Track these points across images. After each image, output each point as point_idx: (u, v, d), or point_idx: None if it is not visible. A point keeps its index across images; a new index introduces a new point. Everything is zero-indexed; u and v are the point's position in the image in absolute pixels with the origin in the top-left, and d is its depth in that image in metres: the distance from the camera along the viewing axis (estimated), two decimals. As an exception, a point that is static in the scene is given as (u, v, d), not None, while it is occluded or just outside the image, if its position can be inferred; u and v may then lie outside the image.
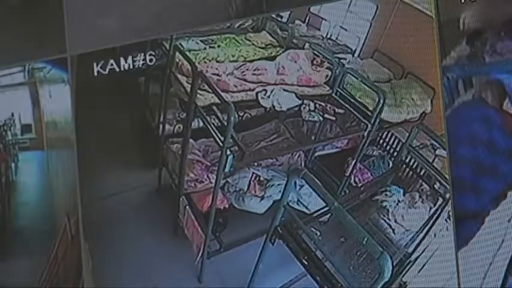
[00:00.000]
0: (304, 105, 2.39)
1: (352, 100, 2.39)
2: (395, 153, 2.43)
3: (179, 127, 2.42)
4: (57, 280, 2.33)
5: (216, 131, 2.33)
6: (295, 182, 2.32)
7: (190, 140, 2.39)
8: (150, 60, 2.33)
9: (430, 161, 2.37)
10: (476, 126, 2.23)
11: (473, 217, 2.23)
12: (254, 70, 2.39)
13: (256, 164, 2.43)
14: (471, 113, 2.25)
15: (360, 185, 2.41)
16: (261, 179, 2.40)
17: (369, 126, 2.36)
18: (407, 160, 2.41)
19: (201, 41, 2.41)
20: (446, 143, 2.25)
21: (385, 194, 2.39)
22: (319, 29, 2.40)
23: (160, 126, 2.44)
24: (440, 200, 2.33)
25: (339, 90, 2.39)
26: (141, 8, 2.37)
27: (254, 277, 2.31)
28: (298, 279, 2.35)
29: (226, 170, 2.32)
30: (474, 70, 2.25)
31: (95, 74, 2.36)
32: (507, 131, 2.22)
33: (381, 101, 2.32)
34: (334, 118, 2.38)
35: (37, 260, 2.34)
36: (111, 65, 2.35)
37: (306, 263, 2.27)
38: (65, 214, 2.33)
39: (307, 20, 2.39)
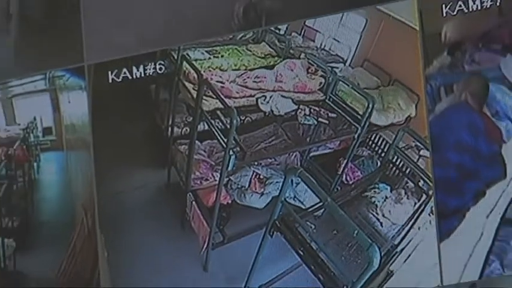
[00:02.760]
0: (300, 110, 2.40)
1: (344, 105, 2.39)
2: (383, 154, 2.44)
3: (186, 130, 2.43)
4: (75, 269, 2.35)
5: (220, 133, 2.34)
6: (291, 180, 2.32)
7: (197, 142, 2.40)
8: (160, 69, 2.34)
9: (415, 160, 2.37)
10: (464, 135, 2.22)
11: (454, 213, 2.22)
12: (254, 78, 2.41)
13: (256, 163, 2.44)
14: (458, 119, 2.24)
15: (350, 182, 2.41)
16: (261, 177, 2.41)
17: (359, 129, 2.37)
18: (394, 160, 2.42)
19: (206, 51, 2.42)
20: (430, 144, 2.23)
21: (374, 191, 2.39)
22: (314, 41, 2.40)
23: (169, 129, 2.45)
24: (424, 196, 2.33)
25: (331, 96, 2.40)
26: (151, 22, 2.39)
27: (255, 266, 2.32)
28: (294, 268, 2.35)
29: (229, 168, 2.34)
30: (455, 78, 2.24)
31: (110, 81, 2.38)
32: (489, 138, 2.21)
33: (370, 106, 2.34)
34: (327, 122, 2.39)
35: (57, 251, 2.36)
36: (125, 73, 2.37)
37: (301, 253, 2.28)
38: (83, 208, 2.35)
39: (302, 32, 2.40)
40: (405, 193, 2.35)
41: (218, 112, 2.42)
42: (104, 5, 2.40)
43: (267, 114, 2.45)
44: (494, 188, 2.24)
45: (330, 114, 2.41)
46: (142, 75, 2.39)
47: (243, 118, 2.43)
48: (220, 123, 2.42)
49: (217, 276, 2.39)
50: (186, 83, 2.41)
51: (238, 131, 2.39)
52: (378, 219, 2.35)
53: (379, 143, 2.42)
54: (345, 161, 2.39)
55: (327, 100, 2.40)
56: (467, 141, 2.26)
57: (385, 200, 2.36)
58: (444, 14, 2.26)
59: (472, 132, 2.27)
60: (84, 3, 2.40)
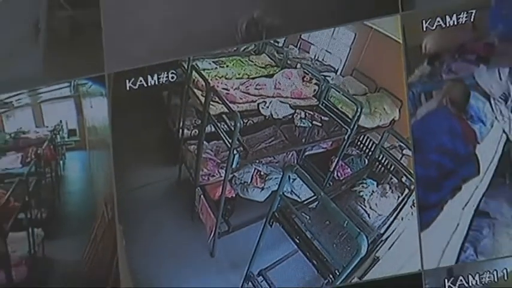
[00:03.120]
0: (296, 114, 2.39)
1: (335, 110, 2.39)
2: (370, 153, 2.43)
3: (195, 131, 2.43)
4: (97, 255, 2.35)
5: (225, 135, 2.34)
6: (289, 176, 2.33)
7: (204, 142, 2.40)
8: (172, 78, 2.34)
9: (398, 159, 2.36)
10: (444, 138, 2.22)
11: (433, 206, 2.23)
12: (256, 85, 2.41)
13: (257, 161, 2.43)
14: (440, 124, 2.24)
15: (341, 178, 2.41)
16: (262, 173, 2.40)
17: (349, 130, 2.36)
18: (379, 158, 2.41)
19: (213, 62, 2.41)
20: (412, 144, 2.23)
21: (362, 186, 2.38)
22: (309, 52, 2.39)
23: (180, 131, 2.44)
24: (407, 190, 2.32)
25: (324, 101, 2.40)
26: (164, 36, 2.39)
27: (256, 253, 2.32)
28: (291, 255, 2.35)
29: (233, 166, 2.33)
30: (434, 86, 2.25)
31: (127, 88, 2.38)
32: (465, 140, 2.22)
33: (359, 111, 2.33)
34: (320, 124, 2.38)
35: (81, 239, 2.36)
36: (140, 81, 2.37)
37: (297, 241, 2.29)
38: (103, 202, 2.35)
39: (298, 45, 2.39)
40: (390, 188, 2.35)
41: (223, 116, 2.41)
42: (122, 22, 2.40)
43: (267, 117, 2.44)
44: (469, 184, 2.25)
45: (323, 117, 2.40)
46: (156, 83, 2.37)
47: (245, 121, 2.42)
48: (226, 126, 2.40)
49: (222, 262, 2.38)
50: (195, 90, 2.41)
51: (241, 132, 2.38)
52: (366, 211, 2.35)
53: (367, 143, 2.42)
54: (336, 159, 2.39)
55: (320, 105, 2.39)
56: (447, 144, 2.26)
57: (371, 194, 2.36)
58: (424, 29, 2.26)
59: (452, 135, 2.27)
60: (104, 20, 2.39)
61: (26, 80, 2.40)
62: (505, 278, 2.19)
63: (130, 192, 2.38)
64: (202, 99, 2.36)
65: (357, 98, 2.33)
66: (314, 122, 2.37)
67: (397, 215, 2.30)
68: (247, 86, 2.40)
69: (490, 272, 2.19)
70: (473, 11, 2.24)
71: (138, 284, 2.35)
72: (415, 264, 2.23)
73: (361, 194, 2.35)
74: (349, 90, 2.34)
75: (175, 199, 2.42)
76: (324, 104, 2.37)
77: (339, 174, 2.37)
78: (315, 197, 2.36)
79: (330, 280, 2.28)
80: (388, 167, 2.35)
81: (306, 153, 2.41)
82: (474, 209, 2.24)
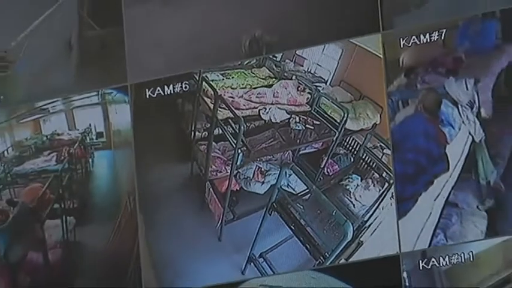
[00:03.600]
0: (291, 119, 2.41)
1: (325, 115, 2.39)
2: (355, 152, 2.43)
3: (205, 134, 2.44)
4: (121, 240, 2.37)
5: (231, 137, 2.36)
6: (285, 172, 2.34)
7: (213, 143, 2.42)
8: (185, 87, 2.35)
9: (379, 157, 2.37)
10: (420, 140, 2.23)
11: (410, 197, 2.24)
12: (257, 94, 2.42)
13: (258, 159, 2.44)
14: (416, 127, 2.24)
15: (330, 174, 2.42)
16: (262, 169, 2.42)
17: (337, 133, 2.37)
18: (363, 156, 2.42)
19: (220, 74, 2.41)
20: (391, 145, 2.24)
21: (348, 180, 2.39)
22: (302, 66, 2.39)
23: (192, 133, 2.46)
24: (386, 184, 2.31)
25: (316, 108, 2.41)
26: (178, 51, 2.40)
27: (257, 238, 2.34)
28: (287, 239, 2.36)
29: (238, 163, 2.36)
30: (409, 94, 2.26)
31: (147, 97, 2.38)
32: (438, 141, 2.24)
33: (345, 116, 2.33)
34: (312, 127, 2.40)
35: (107, 226, 2.38)
36: (158, 90, 2.38)
37: (293, 228, 2.32)
38: (126, 194, 2.37)
39: (293, 59, 2.39)
40: (372, 182, 2.37)
41: (229, 120, 2.42)
42: (142, 39, 2.41)
43: (266, 122, 2.45)
44: (440, 178, 2.26)
45: (314, 121, 2.41)
46: (172, 92, 2.38)
47: (248, 125, 2.42)
48: (231, 129, 2.41)
49: (228, 245, 2.39)
50: (205, 98, 2.42)
51: (245, 134, 2.39)
52: (351, 202, 2.37)
53: (352, 143, 2.43)
54: (326, 157, 2.40)
55: (312, 111, 2.41)
56: (422, 145, 2.26)
57: (356, 187, 2.37)
58: (401, 46, 2.27)
59: (426, 137, 2.27)
60: (127, 38, 2.40)
61: (60, 90, 2.41)
62: (471, 260, 2.20)
63: (149, 186, 2.38)
64: (211, 106, 2.38)
65: (343, 105, 2.34)
66: (307, 126, 2.39)
67: (378, 205, 2.30)
68: (250, 95, 2.41)
69: (458, 254, 2.20)
70: (444, 30, 2.25)
71: (155, 263, 2.35)
72: (393, 247, 2.23)
73: (348, 187, 2.36)
74: (337, 98, 2.36)
75: (188, 192, 2.43)
76: (315, 110, 2.38)
77: (328, 171, 2.39)
78: (307, 190, 2.37)
79: (321, 261, 2.29)
80: (371, 164, 2.35)
81: (300, 152, 2.42)
82: (444, 200, 2.24)
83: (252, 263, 2.33)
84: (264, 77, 2.43)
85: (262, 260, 2.33)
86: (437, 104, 2.26)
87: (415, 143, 2.26)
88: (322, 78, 2.38)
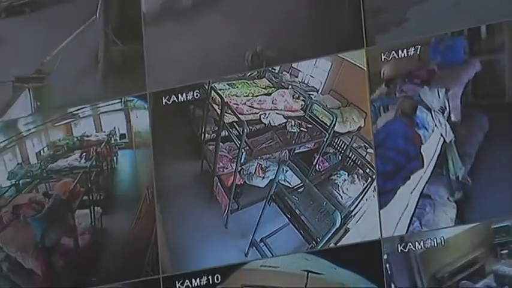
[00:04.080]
0: (288, 122, 2.43)
1: (317, 119, 2.41)
2: (342, 151, 2.44)
3: (213, 135, 2.45)
4: (141, 226, 2.38)
5: (236, 138, 2.39)
6: (282, 168, 2.37)
7: (220, 143, 2.43)
8: (196, 95, 2.37)
9: (364, 155, 2.37)
10: (399, 141, 2.24)
11: (390, 191, 2.26)
12: (258, 101, 2.44)
13: (259, 157, 2.45)
14: (395, 130, 2.25)
15: (321, 170, 2.43)
16: (263, 166, 2.43)
17: (327, 135, 2.39)
18: (350, 155, 2.42)
19: (226, 84, 2.42)
20: (373, 145, 2.26)
21: (337, 176, 2.40)
22: (297, 77, 2.40)
23: (202, 135, 2.47)
24: (370, 179, 2.31)
25: (309, 113, 2.42)
26: (190, 65, 2.42)
27: (258, 225, 2.36)
28: (284, 227, 2.39)
29: (242, 161, 2.38)
30: (389, 101, 2.29)
31: (163, 103, 2.40)
32: (414, 143, 2.25)
33: (334, 120, 2.36)
34: (306, 130, 2.41)
35: (129, 214, 2.39)
36: (173, 98, 2.39)
37: (289, 216, 2.35)
38: (145, 187, 2.38)
39: (290, 71, 2.40)
40: (357, 177, 2.37)
41: (234, 124, 2.43)
42: (159, 54, 2.42)
43: (266, 125, 2.46)
44: (416, 174, 2.27)
45: (307, 125, 2.43)
46: (185, 99, 2.39)
47: (250, 128, 2.44)
48: (236, 131, 2.43)
49: (233, 231, 2.40)
50: (213, 105, 2.43)
51: (248, 136, 2.41)
52: (339, 194, 2.37)
53: (340, 144, 2.44)
54: (318, 156, 2.42)
55: (305, 116, 2.42)
56: (401, 145, 2.28)
57: (344, 182, 2.38)
58: (382, 60, 2.29)
59: (404, 139, 2.28)
60: (146, 53, 2.42)
61: (89, 98, 2.43)
62: (442, 244, 2.21)
63: (165, 180, 2.39)
64: (219, 111, 2.40)
65: (333, 111, 2.36)
66: (301, 129, 2.41)
67: (363, 197, 2.31)
68: (252, 102, 2.42)
69: (431, 239, 2.22)
70: (419, 47, 2.27)
71: (170, 247, 2.36)
72: (375, 233, 2.25)
73: (336, 181, 2.37)
74: (327, 105, 2.37)
75: (198, 185, 2.44)
76: (308, 115, 2.39)
77: (320, 167, 2.40)
78: (302, 184, 2.39)
79: (313, 245, 2.31)
80: (356, 161, 2.35)
81: (295, 151, 2.43)
82: (419, 193, 2.26)
83: (254, 247, 2.34)
84: (264, 87, 2.44)
85: (263, 244, 2.34)
86: (413, 110, 2.27)
87: (395, 144, 2.27)
88: (314, 87, 2.39)
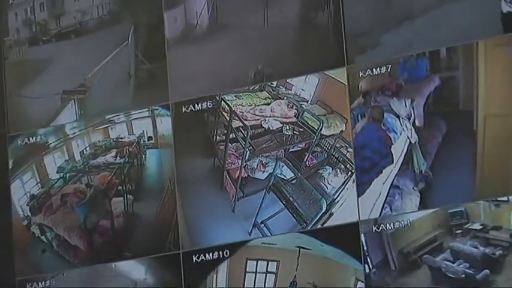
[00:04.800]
0: (283, 127, 2.43)
1: (307, 124, 2.41)
2: (327, 150, 2.43)
3: (223, 137, 2.45)
4: (165, 211, 2.40)
5: (241, 139, 2.40)
6: (279, 164, 2.39)
7: (229, 144, 2.44)
8: (209, 105, 2.39)
9: (345, 154, 2.37)
10: (374, 143, 2.26)
11: (366, 182, 2.28)
12: (259, 110, 2.44)
13: (260, 155, 2.45)
14: (370, 133, 2.28)
15: (310, 165, 2.42)
16: (263, 162, 2.44)
17: (315, 137, 2.39)
18: (333, 153, 2.42)
19: (234, 95, 2.43)
20: (353, 145, 2.29)
21: (323, 170, 2.40)
22: (291, 90, 2.41)
23: (214, 137, 2.47)
24: (350, 173, 2.33)
25: (300, 119, 2.42)
26: (205, 80, 2.45)
27: (259, 210, 2.37)
28: (280, 211, 2.39)
29: (246, 158, 2.39)
30: (365, 110, 2.31)
31: (183, 112, 2.43)
32: (386, 144, 2.27)
33: (321, 125, 2.36)
34: (298, 133, 2.42)
35: (155, 201, 2.41)
36: (191, 107, 2.42)
37: (284, 203, 2.36)
38: (168, 179, 2.40)
39: (285, 86, 2.41)
40: (339, 171, 2.38)
41: (240, 128, 2.45)
42: (180, 71, 2.44)
43: (266, 129, 2.46)
44: (387, 169, 2.30)
45: (299, 129, 2.43)
46: (200, 108, 2.43)
47: (253, 131, 2.44)
48: (241, 134, 2.45)
49: (239, 215, 2.41)
50: (223, 113, 2.44)
51: (251, 138, 2.43)
52: (325, 185, 2.37)
53: (326, 144, 2.43)
54: (308, 154, 2.42)
55: (298, 121, 2.42)
56: (376, 146, 2.30)
57: (329, 175, 2.38)
58: (360, 76, 2.32)
59: (379, 141, 2.30)
60: (170, 70, 2.45)
61: (122, 107, 2.45)
62: (408, 225, 2.24)
63: (184, 173, 2.42)
64: (227, 118, 2.41)
65: (320, 117, 2.36)
66: (294, 132, 2.42)
67: (344, 187, 2.31)
68: (254, 110, 2.43)
69: (399, 221, 2.24)
70: (390, 65, 2.30)
71: (189, 228, 2.39)
72: (354, 217, 2.28)
73: (322, 174, 2.37)
74: (315, 113, 2.38)
75: (211, 177, 2.44)
76: (300, 121, 2.39)
77: (309, 163, 2.40)
78: (295, 177, 2.41)
79: (304, 226, 2.33)
80: (339, 158, 2.35)
81: (290, 150, 2.42)
82: (390, 184, 2.28)
83: (256, 228, 2.36)
84: (264, 98, 2.44)
85: (263, 225, 2.36)
86: (381, 116, 2.31)
87: (370, 145, 2.30)
88: (305, 98, 2.39)
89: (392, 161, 2.29)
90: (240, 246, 2.33)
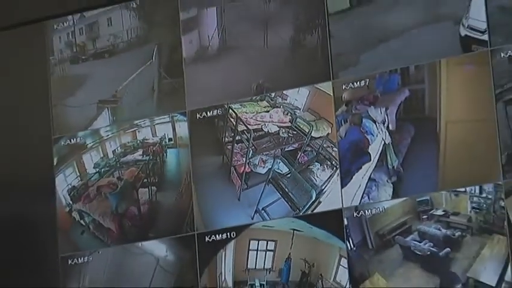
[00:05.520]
0: (280, 130, 2.44)
1: (300, 128, 2.42)
2: (316, 149, 2.42)
3: (230, 139, 2.45)
4: (182, 200, 2.41)
5: (245, 141, 2.41)
6: (277, 161, 2.40)
7: (235, 144, 2.45)
8: (219, 112, 2.40)
9: (331, 152, 2.38)
10: (355, 144, 2.28)
11: (348, 176, 2.31)
12: (260, 116, 2.46)
13: (261, 154, 2.45)
14: (352, 136, 2.29)
15: (302, 162, 2.41)
16: (263, 159, 2.44)
17: (306, 139, 2.39)
18: (321, 152, 2.41)
19: (239, 104, 2.44)
20: (337, 145, 2.31)
21: (313, 166, 2.40)
22: (286, 100, 2.42)
23: (223, 139, 2.47)
24: (335, 168, 2.34)
25: (294, 124, 2.42)
26: (215, 92, 2.46)
27: (261, 198, 2.38)
28: (277, 200, 2.40)
29: (249, 156, 2.40)
30: (347, 116, 2.33)
31: (197, 118, 2.44)
32: (365, 145, 2.29)
33: (311, 129, 2.37)
34: (292, 135, 2.43)
35: (174, 192, 2.41)
36: (204, 114, 2.44)
37: (281, 193, 2.37)
38: (185, 173, 2.41)
39: (281, 96, 2.43)
40: (326, 167, 2.38)
41: (245, 131, 2.46)
42: (194, 85, 2.45)
43: (266, 132, 2.47)
44: (366, 165, 2.32)
45: (293, 132, 2.44)
46: (211, 115, 2.44)
47: (255, 134, 2.44)
48: (245, 136, 2.46)
49: (244, 203, 2.42)
50: (231, 119, 2.45)
51: (253, 139, 2.44)
52: (314, 178, 2.38)
53: (315, 144, 2.43)
54: (300, 152, 2.42)
55: (292, 126, 2.43)
56: (356, 146, 2.32)
57: (317, 170, 2.38)
58: (343, 89, 2.35)
59: (360, 143, 2.32)
60: (186, 85, 2.46)
61: (147, 114, 2.46)
62: (383, 211, 2.26)
63: (198, 169, 2.43)
64: (234, 123, 2.42)
65: (310, 123, 2.37)
66: (289, 134, 2.43)
67: (330, 180, 2.33)
68: (256, 117, 2.44)
69: (376, 208, 2.26)
70: (368, 80, 2.32)
71: (202, 213, 2.40)
72: (339, 204, 2.31)
73: (312, 170, 2.38)
74: (306, 119, 2.38)
75: (220, 172, 2.45)
76: (294, 126, 2.40)
77: (301, 160, 2.40)
78: (289, 171, 2.42)
79: (297, 212, 2.35)
80: (326, 156, 2.36)
81: (285, 149, 2.42)
82: (368, 178, 2.30)
83: (257, 213, 2.37)
84: (264, 106, 2.44)
85: (263, 211, 2.37)
86: (360, 121, 2.33)
87: (351, 145, 2.33)
88: (298, 107, 2.40)
89: (370, 159, 2.32)
90: (244, 229, 2.35)
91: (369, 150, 2.34)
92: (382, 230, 2.28)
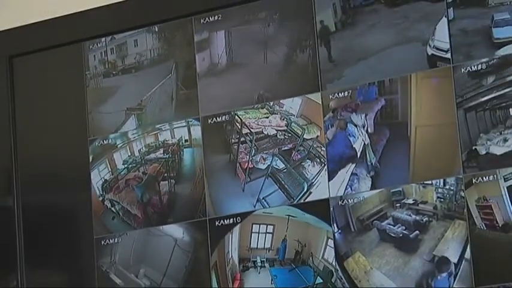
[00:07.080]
0: (278, 133, 2.44)
1: (294, 131, 2.41)
2: (308, 149, 2.41)
3: (236, 140, 2.44)
4: (196, 191, 2.42)
5: (249, 142, 2.40)
6: (275, 158, 2.40)
7: (240, 144, 2.43)
8: (227, 118, 2.40)
9: (320, 151, 2.38)
10: (340, 144, 2.29)
11: (334, 171, 2.31)
12: (261, 121, 2.45)
13: (262, 152, 2.44)
14: (338, 138, 2.30)
15: (296, 159, 2.41)
16: (264, 157, 2.43)
17: (300, 140, 2.39)
18: (312, 151, 2.40)
19: (243, 111, 2.44)
20: (325, 146, 2.31)
21: (305, 162, 2.40)
22: (283, 108, 2.42)
23: (229, 140, 2.46)
24: (323, 164, 2.34)
25: (289, 128, 2.42)
26: (224, 101, 2.45)
27: (261, 189, 2.38)
28: (275, 191, 2.40)
29: (252, 154, 2.40)
30: (333, 121, 2.34)
31: (209, 123, 2.45)
32: (347, 145, 2.30)
33: (304, 132, 2.36)
34: (287, 137, 2.43)
35: (189, 183, 2.41)
36: (214, 119, 2.44)
37: (278, 185, 2.37)
38: (198, 168, 2.41)
39: (278, 105, 2.43)
40: (316, 163, 2.38)
41: (248, 134, 2.45)
42: (207, 95, 2.44)
43: (265, 134, 2.46)
44: (349, 163, 2.33)
45: (289, 134, 2.43)
46: (220, 120, 2.45)
47: (257, 136, 2.44)
48: (249, 138, 2.45)
49: (247, 193, 2.41)
50: (236, 123, 2.44)
51: (255, 140, 2.44)
52: (306, 173, 2.38)
53: (307, 145, 2.41)
54: (294, 151, 2.41)
55: (287, 129, 2.42)
56: (340, 146, 2.33)
57: (308, 166, 2.37)
58: (330, 98, 2.35)
59: (345, 144, 2.33)
60: (199, 95, 2.45)
61: (167, 119, 2.46)
62: (363, 200, 2.28)
63: (209, 165, 2.44)
64: (239, 126, 2.41)
65: (303, 126, 2.37)
66: (285, 136, 2.43)
67: (319, 174, 2.34)
68: (258, 122, 2.44)
69: (357, 198, 2.28)
70: (350, 91, 2.33)
71: (213, 201, 2.41)
72: (326, 194, 2.33)
73: (305, 166, 2.38)
74: (299, 123, 2.38)
75: (227, 168, 2.44)
76: (289, 129, 2.40)
77: (295, 158, 2.40)
78: (285, 167, 2.42)
79: (292, 201, 2.36)
80: (315, 155, 2.36)
81: (282, 149, 2.42)
82: (351, 172, 2.31)
83: (258, 202, 2.38)
84: (264, 113, 2.45)
85: (264, 200, 2.39)
86: (345, 125, 2.36)
87: (337, 145, 2.35)
88: (292, 113, 2.41)
89: (356, 155, 2.34)
90: (247, 215, 2.38)
91: (351, 150, 2.37)
92: (362, 216, 2.31)
